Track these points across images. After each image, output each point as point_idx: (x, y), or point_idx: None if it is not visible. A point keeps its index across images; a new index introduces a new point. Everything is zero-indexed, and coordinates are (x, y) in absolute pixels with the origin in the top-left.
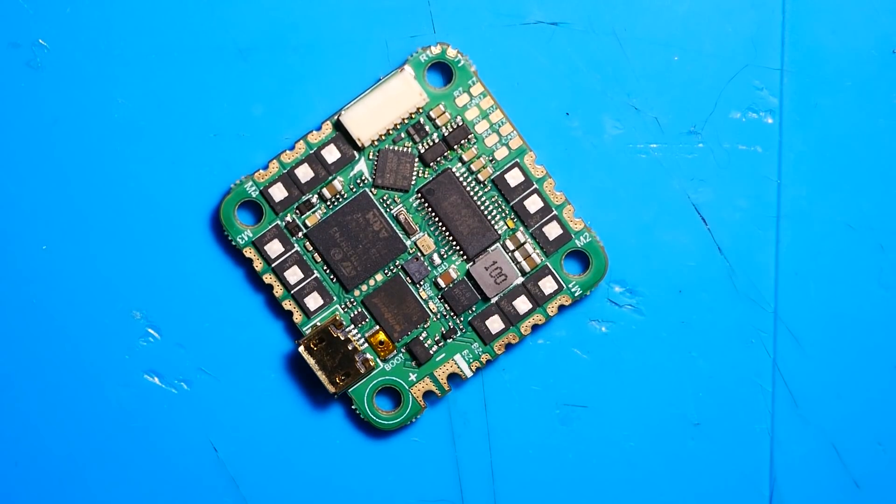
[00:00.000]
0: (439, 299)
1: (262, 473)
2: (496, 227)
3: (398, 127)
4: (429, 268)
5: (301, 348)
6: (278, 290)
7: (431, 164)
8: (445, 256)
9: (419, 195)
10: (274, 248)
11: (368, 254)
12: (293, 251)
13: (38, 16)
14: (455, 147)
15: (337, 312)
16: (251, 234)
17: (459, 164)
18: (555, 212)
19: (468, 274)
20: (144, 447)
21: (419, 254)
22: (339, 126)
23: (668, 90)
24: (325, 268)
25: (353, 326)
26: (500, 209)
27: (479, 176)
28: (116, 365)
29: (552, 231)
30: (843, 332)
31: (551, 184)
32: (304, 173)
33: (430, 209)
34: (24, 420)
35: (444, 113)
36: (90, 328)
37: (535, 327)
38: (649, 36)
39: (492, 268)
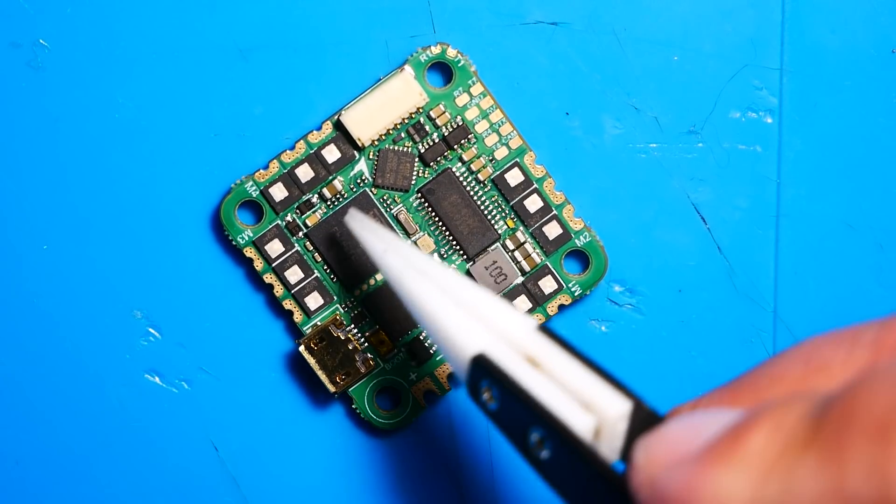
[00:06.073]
0: None
1: (262, 473)
2: (496, 226)
3: (398, 127)
4: None
5: (301, 348)
6: (279, 290)
7: (431, 164)
8: (445, 256)
9: (419, 195)
10: (274, 247)
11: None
12: (293, 251)
13: (39, 16)
14: (455, 147)
15: (337, 312)
16: (251, 234)
17: (459, 164)
18: (555, 211)
19: (468, 274)
20: (145, 446)
21: None
22: (339, 126)
23: (668, 90)
24: (325, 267)
25: (353, 326)
26: (500, 209)
27: (479, 176)
28: (117, 364)
29: (552, 231)
30: None
31: (551, 183)
32: (305, 173)
33: (430, 209)
34: (25, 419)
35: (444, 113)
36: (91, 328)
37: None
38: (649, 36)
39: (492, 267)
